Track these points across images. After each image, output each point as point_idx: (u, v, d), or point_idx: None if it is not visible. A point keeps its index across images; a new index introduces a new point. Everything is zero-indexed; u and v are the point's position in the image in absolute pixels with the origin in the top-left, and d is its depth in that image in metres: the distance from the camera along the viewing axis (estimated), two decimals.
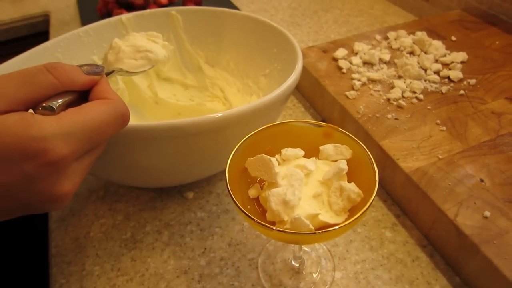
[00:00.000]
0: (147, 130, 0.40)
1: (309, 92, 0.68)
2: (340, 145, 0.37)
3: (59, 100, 0.30)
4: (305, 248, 0.47)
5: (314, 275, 0.45)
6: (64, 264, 0.47)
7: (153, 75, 0.63)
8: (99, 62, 0.55)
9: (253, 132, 0.38)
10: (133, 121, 0.39)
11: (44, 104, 0.29)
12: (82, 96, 0.32)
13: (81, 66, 0.33)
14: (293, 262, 0.46)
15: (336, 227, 0.31)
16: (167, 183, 0.53)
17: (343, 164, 0.34)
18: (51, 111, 0.29)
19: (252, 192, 0.36)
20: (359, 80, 0.62)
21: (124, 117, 0.32)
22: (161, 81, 0.64)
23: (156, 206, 0.53)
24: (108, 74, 0.41)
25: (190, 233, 0.50)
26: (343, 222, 0.32)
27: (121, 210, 0.53)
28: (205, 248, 0.48)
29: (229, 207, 0.53)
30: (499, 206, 0.43)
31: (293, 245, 0.47)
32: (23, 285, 0.56)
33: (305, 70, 0.65)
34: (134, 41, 0.47)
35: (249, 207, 0.35)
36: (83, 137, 0.29)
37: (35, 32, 1.02)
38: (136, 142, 0.42)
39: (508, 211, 0.43)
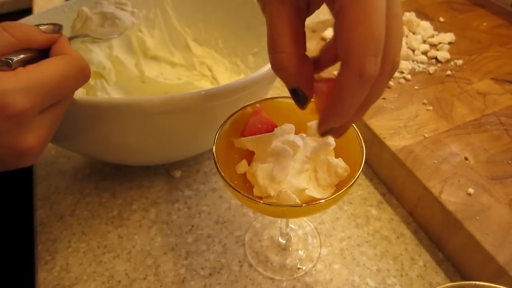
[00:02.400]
0: (133, 105, 0.39)
1: None
2: None
3: (16, 56, 0.30)
4: (292, 225, 0.48)
5: (301, 252, 0.46)
6: (49, 242, 0.47)
7: (140, 53, 0.61)
8: None
9: (239, 108, 0.38)
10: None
11: (1, 59, 0.29)
12: (42, 55, 0.33)
13: (39, 25, 0.33)
14: (280, 239, 0.46)
15: (322, 201, 0.31)
16: (154, 162, 0.53)
17: (331, 140, 0.34)
18: (8, 66, 0.29)
19: (240, 168, 0.36)
20: None
21: (84, 71, 0.33)
22: (148, 59, 0.63)
23: (143, 185, 0.53)
24: (72, 38, 0.41)
25: (177, 211, 0.50)
26: (329, 196, 0.33)
27: (107, 188, 0.52)
28: (192, 226, 0.48)
29: (217, 186, 0.52)
30: (483, 184, 0.44)
31: (279, 222, 0.47)
32: (8, 263, 0.55)
33: None
34: (101, 8, 0.46)
35: (236, 182, 0.35)
36: (43, 91, 0.29)
37: (18, 9, 0.99)
38: (122, 118, 0.42)
39: (491, 188, 0.43)
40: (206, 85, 0.62)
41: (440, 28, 0.68)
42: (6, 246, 0.56)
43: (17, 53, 0.30)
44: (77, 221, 0.49)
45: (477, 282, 0.29)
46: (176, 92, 0.60)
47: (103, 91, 0.55)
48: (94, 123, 0.42)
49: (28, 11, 0.95)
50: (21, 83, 0.28)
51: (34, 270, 0.45)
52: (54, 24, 0.33)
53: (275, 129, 0.37)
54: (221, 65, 0.63)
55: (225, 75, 0.62)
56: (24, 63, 0.30)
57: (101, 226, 0.48)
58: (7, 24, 0.30)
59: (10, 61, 0.29)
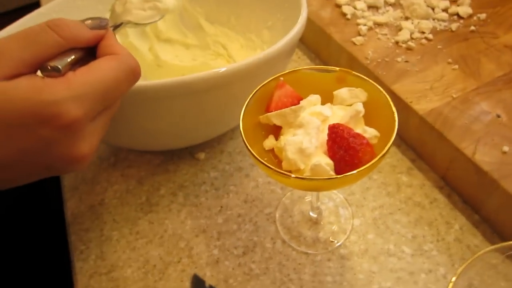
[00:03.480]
0: (153, 89, 0.39)
1: (313, 43, 0.65)
2: (354, 88, 0.36)
3: (65, 59, 0.29)
4: (322, 198, 0.47)
5: (333, 225, 0.45)
6: (82, 232, 0.47)
7: (153, 37, 0.61)
8: None
9: (263, 83, 0.37)
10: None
11: (50, 65, 0.28)
12: (89, 52, 0.31)
13: (84, 20, 0.31)
14: (311, 213, 0.46)
15: (355, 171, 0.30)
16: (177, 145, 0.52)
17: (359, 106, 0.33)
18: (57, 71, 0.28)
19: (267, 144, 0.36)
20: (365, 25, 0.59)
21: (135, 72, 0.31)
22: (161, 42, 0.62)
23: (169, 169, 0.53)
24: (115, 27, 0.39)
25: (205, 193, 0.50)
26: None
27: (133, 175, 0.52)
28: (221, 207, 0.48)
29: (242, 165, 0.52)
30: None
31: (309, 197, 0.46)
32: (44, 256, 0.56)
33: (308, 20, 0.62)
34: None
35: (265, 159, 0.34)
36: (95, 98, 0.28)
37: (26, 4, 0.99)
38: (143, 104, 0.41)
39: None
40: (222, 64, 0.61)
41: None
42: (40, 240, 0.57)
43: (64, 54, 0.29)
44: (107, 210, 0.49)
45: None
46: (192, 73, 0.60)
47: None
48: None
49: (36, 5, 0.95)
50: (73, 91, 0.27)
51: (70, 260, 0.46)
52: (99, 18, 0.32)
53: (301, 101, 0.36)
54: (236, 42, 0.61)
55: (241, 52, 0.61)
56: (72, 65, 0.29)
57: (131, 213, 0.49)
58: (54, 23, 0.28)
59: (59, 67, 0.28)
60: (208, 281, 0.42)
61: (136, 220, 0.48)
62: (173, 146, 0.52)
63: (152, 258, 0.45)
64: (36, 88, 0.26)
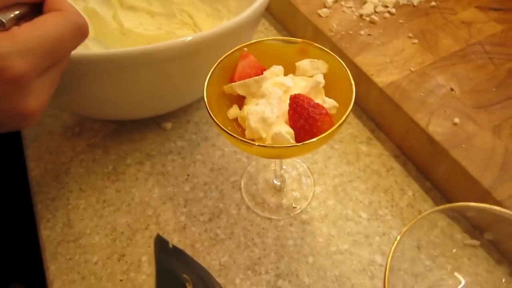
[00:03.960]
0: (117, 58, 0.39)
1: (280, 14, 0.66)
2: (316, 60, 0.37)
3: (9, 14, 0.28)
4: (286, 167, 0.49)
5: (295, 192, 0.47)
6: (48, 201, 0.48)
7: (116, 4, 0.59)
8: None
9: (227, 53, 0.38)
10: None
11: None
12: (35, 9, 0.31)
13: None
14: (274, 181, 0.47)
15: (314, 139, 0.32)
16: (143, 115, 0.52)
17: (320, 78, 0.35)
18: (1, 25, 0.28)
19: (231, 113, 0.36)
20: None
21: (81, 29, 0.31)
22: (125, 10, 0.60)
23: (135, 139, 0.53)
24: None
25: (172, 162, 0.50)
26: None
27: (99, 144, 0.52)
28: (188, 175, 0.49)
29: (208, 135, 0.53)
30: (468, 113, 0.45)
31: (273, 165, 0.48)
32: (9, 225, 0.56)
33: None
34: None
35: (229, 128, 0.35)
36: (41, 53, 0.28)
37: None
38: (107, 72, 0.41)
39: (476, 117, 0.45)
40: (188, 33, 0.61)
41: None
42: (5, 209, 0.57)
43: (9, 9, 0.29)
44: (73, 179, 0.49)
45: (464, 203, 0.31)
46: (157, 42, 0.59)
47: (83, 46, 0.53)
48: (77, 79, 0.41)
49: None
50: (18, 45, 0.27)
51: (36, 228, 0.46)
52: None
53: (264, 72, 0.37)
54: (202, 11, 0.61)
55: (207, 22, 0.60)
56: (17, 20, 0.29)
57: (97, 182, 0.49)
58: None
59: (3, 21, 0.28)
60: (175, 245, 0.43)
61: (103, 189, 0.48)
62: (139, 115, 0.52)
63: (120, 225, 0.45)
64: None
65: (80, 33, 0.31)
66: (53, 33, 0.29)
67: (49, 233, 0.45)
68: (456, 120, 0.44)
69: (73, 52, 0.35)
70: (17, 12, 0.29)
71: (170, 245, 0.32)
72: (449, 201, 0.45)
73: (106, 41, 0.58)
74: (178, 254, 0.33)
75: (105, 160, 0.51)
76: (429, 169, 0.46)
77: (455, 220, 0.35)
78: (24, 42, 0.27)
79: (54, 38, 0.29)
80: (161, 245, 0.32)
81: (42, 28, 0.28)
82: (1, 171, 0.59)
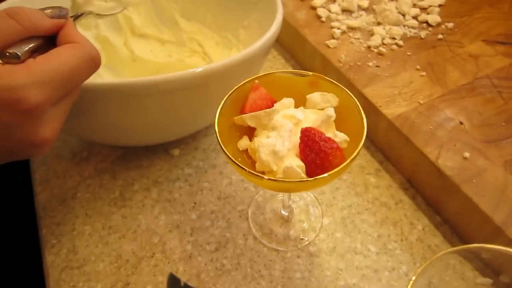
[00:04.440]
0: (127, 87, 0.39)
1: (288, 43, 0.67)
2: (326, 93, 0.37)
3: (24, 47, 0.29)
4: (294, 197, 0.49)
5: (303, 223, 0.47)
6: (53, 225, 0.47)
7: (128, 31, 0.60)
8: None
9: (239, 85, 0.38)
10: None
11: (9, 52, 0.28)
12: (49, 41, 0.32)
13: (44, 9, 0.31)
14: (282, 212, 0.47)
15: (326, 174, 0.32)
16: (152, 141, 0.52)
17: (331, 111, 0.35)
18: (17, 58, 0.28)
19: (241, 144, 0.36)
20: (338, 28, 0.61)
21: (95, 60, 0.32)
22: (136, 37, 0.61)
23: (143, 165, 0.53)
24: (76, 17, 0.40)
25: (179, 189, 0.50)
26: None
27: (107, 170, 0.52)
28: (195, 203, 0.49)
29: (216, 162, 0.53)
30: (478, 147, 0.45)
31: (281, 195, 0.48)
32: (14, 249, 0.56)
33: (284, 21, 0.64)
34: None
35: (239, 159, 0.35)
36: (55, 84, 0.29)
37: None
38: (117, 100, 0.41)
39: (486, 151, 0.44)
40: (197, 61, 0.61)
41: None
42: (11, 232, 0.56)
43: (23, 42, 0.29)
44: (80, 204, 0.49)
45: (479, 245, 0.30)
46: (167, 70, 0.60)
47: (95, 73, 0.54)
48: (87, 107, 0.41)
49: None
50: (33, 77, 0.27)
51: (41, 254, 0.46)
52: (59, 8, 0.32)
53: (275, 104, 0.37)
54: (211, 40, 0.62)
55: (217, 50, 0.61)
56: (32, 53, 0.30)
57: (104, 208, 0.49)
58: (12, 10, 0.29)
59: (18, 54, 0.28)
60: (181, 276, 0.43)
61: (109, 215, 0.48)
62: (147, 142, 0.52)
63: (125, 252, 0.45)
64: None
65: (93, 64, 0.32)
66: (67, 65, 0.29)
67: (53, 259, 0.45)
68: (466, 154, 0.44)
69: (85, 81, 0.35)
70: (32, 45, 0.30)
71: (182, 284, 0.32)
72: (460, 237, 0.44)
73: (117, 68, 0.58)
74: None
75: (112, 185, 0.51)
76: (439, 203, 0.46)
77: (467, 259, 0.35)
78: (39, 74, 0.28)
79: (68, 70, 0.30)
80: (174, 284, 0.32)
81: (57, 60, 0.29)
82: (8, 195, 0.58)
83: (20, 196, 0.56)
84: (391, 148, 0.50)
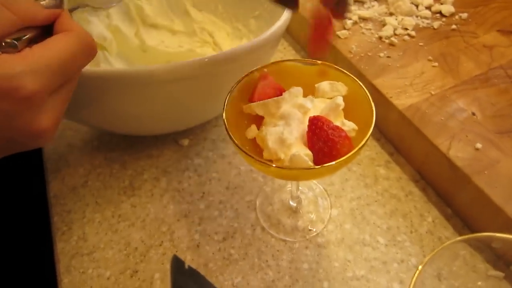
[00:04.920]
0: (136, 75, 0.39)
1: (299, 34, 0.66)
2: (335, 82, 0.37)
3: (21, 36, 0.29)
4: (302, 188, 0.49)
5: (311, 214, 0.47)
6: (64, 213, 0.48)
7: (139, 21, 0.60)
8: None
9: (247, 73, 0.38)
10: None
11: (6, 41, 0.28)
12: (45, 31, 0.32)
13: (39, 0, 0.32)
14: (290, 202, 0.47)
15: (333, 162, 0.32)
16: (161, 130, 0.53)
17: (340, 100, 0.34)
18: (14, 47, 0.28)
19: (250, 133, 0.36)
20: (350, 19, 0.60)
21: (90, 47, 0.32)
22: (148, 27, 0.62)
23: (152, 154, 0.53)
24: (71, 10, 0.40)
25: (188, 179, 0.50)
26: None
27: (117, 159, 0.53)
28: (203, 193, 0.49)
29: (225, 152, 0.53)
30: (490, 138, 0.44)
31: (289, 186, 0.48)
32: (26, 235, 0.57)
33: None
34: None
35: (247, 147, 0.35)
36: (53, 71, 0.29)
37: None
38: (127, 88, 0.42)
39: (499, 142, 0.44)
40: (208, 51, 0.61)
41: None
42: (22, 219, 0.57)
43: (20, 32, 0.29)
44: (90, 192, 0.50)
45: (489, 233, 0.30)
46: (178, 60, 0.60)
47: (106, 62, 0.55)
48: (98, 94, 0.42)
49: None
50: (29, 65, 0.27)
51: (52, 240, 0.46)
52: None
53: (284, 93, 0.37)
54: (222, 30, 0.62)
55: (227, 41, 0.61)
56: (29, 42, 0.30)
57: (114, 196, 0.49)
58: (7, 1, 0.29)
59: (15, 42, 0.28)
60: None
61: (119, 203, 0.49)
62: (157, 131, 0.53)
63: (134, 240, 0.45)
64: None
65: (90, 51, 0.32)
66: (63, 52, 0.29)
67: (63, 246, 0.45)
68: (478, 145, 0.43)
69: (96, 68, 0.35)
70: (28, 35, 0.30)
71: (186, 266, 0.32)
72: (471, 229, 0.44)
73: (128, 57, 0.59)
74: (193, 275, 0.33)
75: (122, 174, 0.51)
76: (450, 195, 0.45)
77: (478, 250, 0.34)
78: (36, 62, 0.28)
79: (64, 57, 0.29)
80: (177, 266, 0.32)
81: (53, 47, 0.29)
82: (21, 183, 0.59)
83: (34, 185, 0.57)
84: (402, 140, 0.50)
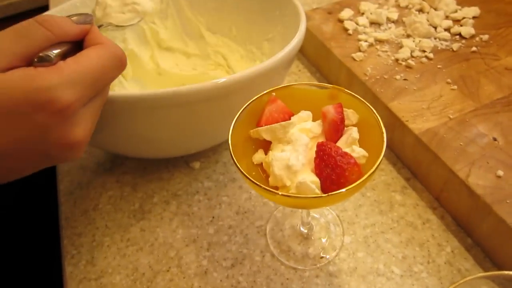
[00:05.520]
0: (151, 99, 0.39)
1: (314, 56, 0.66)
2: (346, 109, 0.36)
3: (55, 51, 0.30)
4: (314, 214, 0.47)
5: (323, 241, 0.45)
6: (74, 236, 0.48)
7: (154, 45, 0.61)
8: None
9: (255, 97, 0.37)
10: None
11: (41, 55, 0.29)
12: (76, 46, 0.33)
13: (70, 16, 0.33)
14: (301, 228, 0.45)
15: (343, 190, 0.30)
16: (173, 154, 0.52)
17: (355, 133, 0.33)
18: (49, 61, 0.29)
19: (257, 158, 0.36)
20: (366, 41, 0.59)
21: (121, 59, 0.33)
22: (163, 51, 0.62)
23: (163, 177, 0.53)
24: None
25: (198, 203, 0.50)
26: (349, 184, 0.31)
27: (128, 181, 0.53)
28: (213, 217, 0.48)
29: (236, 176, 0.52)
30: None
31: (301, 211, 0.46)
32: (36, 258, 0.57)
33: (310, 33, 0.63)
34: None
35: (254, 173, 0.34)
36: (86, 83, 0.30)
37: (35, 7, 1.00)
38: (141, 112, 0.42)
39: None
40: (221, 74, 0.61)
41: (463, 2, 0.65)
42: (33, 241, 0.58)
43: (54, 47, 0.30)
44: (100, 215, 0.50)
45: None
46: (192, 83, 0.60)
47: (120, 86, 0.55)
48: (113, 118, 0.42)
49: (45, 8, 0.96)
50: (64, 78, 0.28)
51: (61, 264, 0.46)
52: (84, 14, 0.33)
53: (292, 117, 0.36)
54: (236, 53, 0.62)
55: (241, 63, 0.61)
56: (62, 56, 0.31)
57: (123, 220, 0.49)
58: (42, 18, 0.30)
59: (50, 56, 0.29)
60: None
61: (128, 227, 0.48)
62: (168, 154, 0.52)
63: (141, 266, 0.45)
64: (29, 76, 0.28)
65: (120, 63, 0.33)
66: (95, 64, 0.30)
67: (72, 270, 0.45)
68: (500, 172, 0.41)
69: (110, 92, 0.36)
70: (61, 49, 0.31)
71: None
72: (493, 261, 0.41)
73: (143, 80, 0.59)
74: None
75: (133, 197, 0.51)
76: (470, 224, 0.43)
77: (500, 286, 0.32)
78: (70, 75, 0.29)
79: (97, 69, 0.31)
80: None
81: (86, 60, 0.30)
82: (34, 205, 0.60)
83: (46, 207, 0.58)
84: (419, 165, 0.48)
